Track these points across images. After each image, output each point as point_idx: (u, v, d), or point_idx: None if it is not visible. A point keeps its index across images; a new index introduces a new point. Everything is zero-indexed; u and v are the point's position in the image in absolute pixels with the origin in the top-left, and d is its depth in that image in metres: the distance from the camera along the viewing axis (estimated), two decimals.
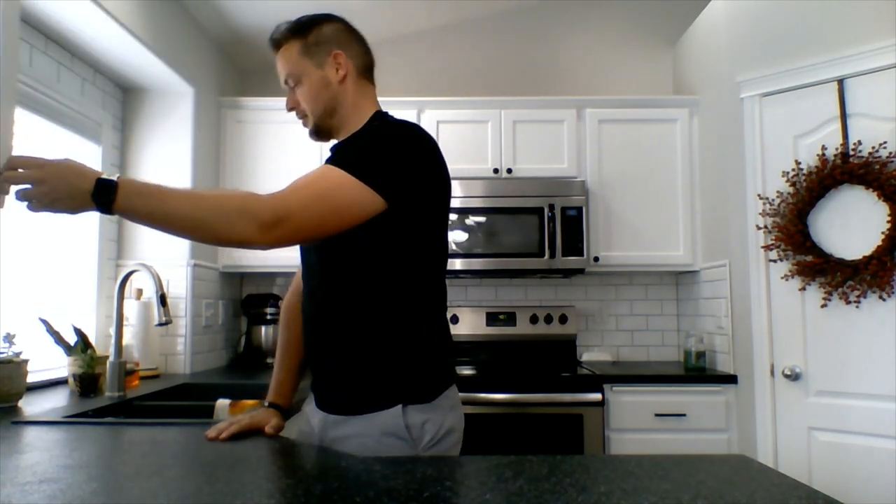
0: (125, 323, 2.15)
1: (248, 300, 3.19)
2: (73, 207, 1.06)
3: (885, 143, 2.22)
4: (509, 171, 3.00)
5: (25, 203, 1.06)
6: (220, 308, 3.02)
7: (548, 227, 2.87)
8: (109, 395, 1.93)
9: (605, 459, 1.07)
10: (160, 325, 1.90)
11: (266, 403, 1.40)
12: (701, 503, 0.83)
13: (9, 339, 1.71)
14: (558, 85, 3.43)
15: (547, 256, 2.87)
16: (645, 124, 3.02)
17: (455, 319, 3.17)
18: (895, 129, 2.21)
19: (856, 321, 2.25)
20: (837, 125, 2.33)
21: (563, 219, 2.87)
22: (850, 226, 2.28)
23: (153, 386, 2.20)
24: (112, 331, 2.08)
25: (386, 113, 1.37)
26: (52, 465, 1.03)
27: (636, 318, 3.30)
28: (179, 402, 2.10)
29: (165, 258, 2.63)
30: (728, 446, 2.57)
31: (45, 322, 1.97)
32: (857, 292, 2.24)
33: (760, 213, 2.50)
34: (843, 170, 2.27)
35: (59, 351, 2.00)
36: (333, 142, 1.39)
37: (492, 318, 3.18)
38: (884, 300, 2.20)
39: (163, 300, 1.89)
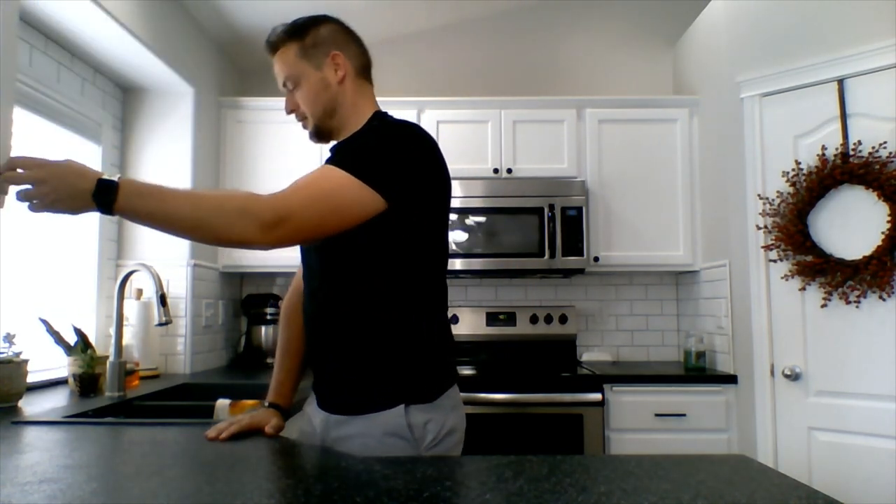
0: (125, 323, 2.15)
1: (248, 300, 3.19)
2: (74, 208, 1.06)
3: (885, 143, 2.22)
4: (509, 171, 3.00)
5: (26, 203, 1.06)
6: (220, 308, 3.02)
7: (548, 227, 2.87)
8: (109, 395, 1.93)
9: (605, 459, 1.07)
10: (160, 325, 1.90)
11: (266, 403, 1.40)
12: (701, 503, 0.83)
13: (9, 339, 1.71)
14: (558, 85, 3.43)
15: (547, 256, 2.87)
16: (645, 124, 3.02)
17: (455, 319, 3.17)
18: (895, 129, 2.21)
19: (856, 321, 2.25)
20: (837, 125, 2.33)
21: (563, 219, 2.87)
22: (850, 226, 2.28)
23: (153, 386, 2.20)
24: (112, 331, 2.08)
25: (385, 113, 1.37)
26: (52, 465, 1.03)
27: (636, 318, 3.30)
28: (179, 402, 2.10)
29: (165, 258, 2.63)
30: (728, 446, 2.57)
31: (45, 322, 1.97)
32: (857, 292, 2.24)
33: (760, 213, 2.50)
34: (843, 170, 2.27)
35: (59, 351, 2.00)
36: (333, 142, 1.39)
37: (492, 318, 3.18)
38: (884, 300, 2.20)
39: (163, 300, 1.89)
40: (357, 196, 1.15)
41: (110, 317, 2.51)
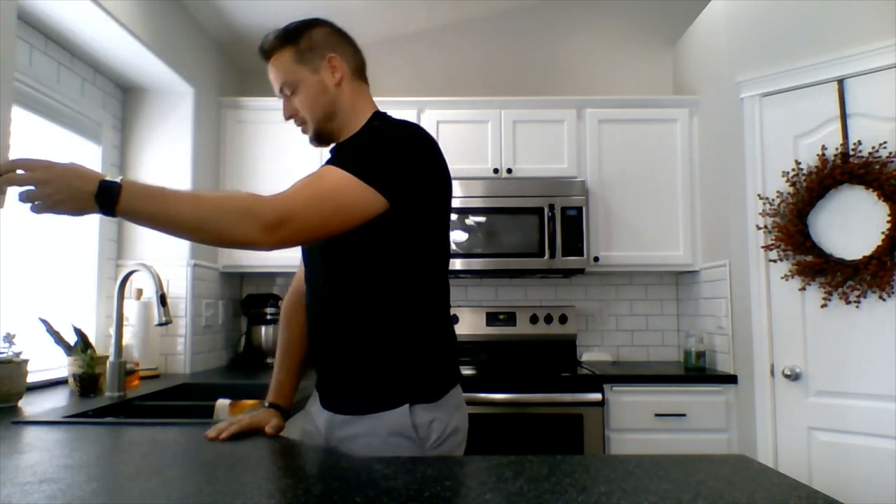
0: (125, 323, 2.15)
1: (248, 300, 3.19)
2: (76, 209, 1.06)
3: (885, 143, 2.22)
4: (509, 171, 3.00)
5: (29, 205, 1.06)
6: (220, 308, 3.03)
7: (548, 227, 2.87)
8: (109, 395, 1.93)
9: (605, 459, 1.07)
10: (160, 325, 1.90)
11: (266, 404, 1.40)
12: (701, 503, 0.83)
13: (9, 339, 1.71)
14: (558, 85, 3.43)
15: (547, 256, 2.87)
16: (645, 124, 3.02)
17: (455, 319, 3.17)
18: (895, 129, 2.21)
19: (856, 321, 2.25)
20: (837, 125, 2.34)
21: (563, 219, 2.87)
22: (850, 226, 2.28)
23: (153, 386, 2.20)
24: (112, 331, 2.08)
25: (385, 113, 1.37)
26: (52, 465, 1.03)
27: (636, 318, 3.30)
28: (179, 402, 2.10)
29: (165, 258, 2.63)
30: (728, 446, 2.57)
31: (45, 322, 1.97)
32: (857, 292, 2.24)
33: (760, 213, 2.50)
34: (843, 170, 2.27)
35: (59, 351, 2.00)
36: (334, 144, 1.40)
37: (492, 318, 3.19)
38: (884, 300, 2.20)
39: (163, 300, 1.89)
40: (359, 196, 1.15)
41: (110, 317, 2.51)
